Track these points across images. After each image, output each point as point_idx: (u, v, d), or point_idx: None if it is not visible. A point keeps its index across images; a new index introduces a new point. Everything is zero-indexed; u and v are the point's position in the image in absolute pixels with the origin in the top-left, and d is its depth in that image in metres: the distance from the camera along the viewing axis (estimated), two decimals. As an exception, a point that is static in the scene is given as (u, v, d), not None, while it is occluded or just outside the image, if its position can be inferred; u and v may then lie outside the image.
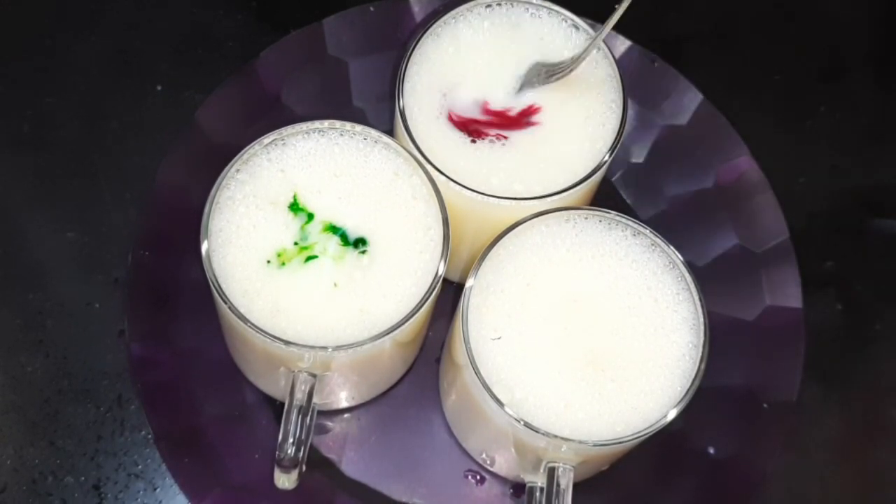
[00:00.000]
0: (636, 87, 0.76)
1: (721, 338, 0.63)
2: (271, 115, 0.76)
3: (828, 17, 0.89)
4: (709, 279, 0.71)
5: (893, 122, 0.86)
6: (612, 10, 0.63)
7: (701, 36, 0.86)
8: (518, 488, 0.70)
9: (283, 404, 0.62)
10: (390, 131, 0.68)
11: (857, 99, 0.86)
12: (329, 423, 0.71)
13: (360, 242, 0.61)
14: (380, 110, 0.79)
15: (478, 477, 0.71)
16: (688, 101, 0.77)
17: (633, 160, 0.79)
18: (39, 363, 0.72)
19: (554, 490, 0.60)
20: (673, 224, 0.77)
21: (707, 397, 0.61)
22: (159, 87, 0.81)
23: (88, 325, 0.73)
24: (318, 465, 0.70)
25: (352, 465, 0.70)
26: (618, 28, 0.76)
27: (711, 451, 0.70)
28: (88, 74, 0.81)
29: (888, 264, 0.80)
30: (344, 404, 0.71)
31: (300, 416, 0.60)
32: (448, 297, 0.72)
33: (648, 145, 0.78)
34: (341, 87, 0.79)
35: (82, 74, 0.81)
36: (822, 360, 0.74)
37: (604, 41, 0.68)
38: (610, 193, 0.78)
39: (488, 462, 0.69)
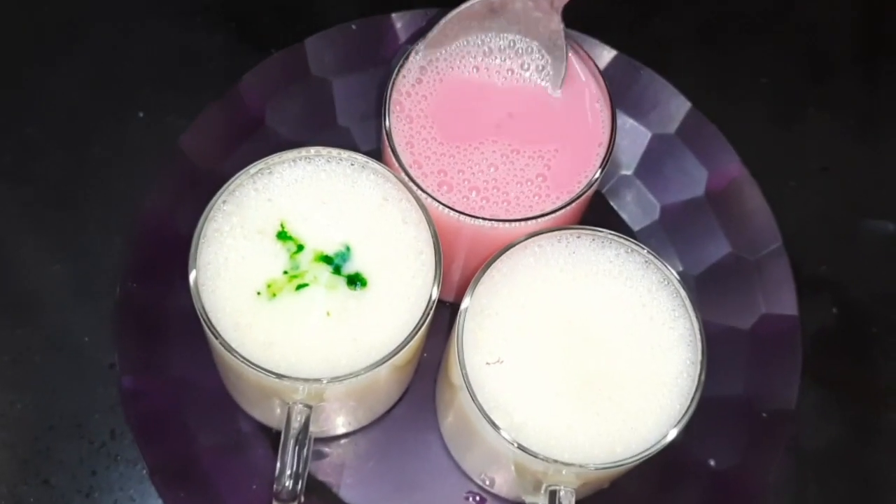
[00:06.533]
0: (623, 97, 0.76)
1: (717, 348, 0.63)
2: (256, 137, 0.75)
3: (813, 19, 0.88)
4: (703, 289, 0.71)
5: (882, 122, 0.85)
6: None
7: (686, 40, 0.86)
8: (519, 509, 0.69)
9: (279, 431, 0.61)
10: (376, 150, 0.67)
11: (846, 100, 0.85)
12: (326, 449, 0.70)
13: (354, 279, 0.60)
14: (365, 129, 0.78)
15: (478, 498, 0.70)
16: (675, 110, 0.76)
17: (623, 171, 0.78)
18: (29, 399, 0.71)
19: (556, 512, 0.59)
20: (665, 234, 0.76)
21: (705, 409, 0.61)
22: (141, 114, 0.80)
23: (78, 359, 0.72)
24: (316, 491, 0.69)
25: (351, 491, 0.69)
26: (603, 36, 0.76)
27: (712, 462, 0.70)
28: (68, 103, 0.80)
29: (882, 266, 0.80)
30: (341, 430, 0.70)
31: (297, 448, 0.59)
32: (442, 316, 0.71)
33: (638, 155, 0.78)
34: (325, 107, 0.78)
35: (62, 103, 0.80)
36: (819, 365, 0.74)
37: (588, 54, 0.67)
38: (601, 205, 0.78)
39: (488, 483, 0.69)
